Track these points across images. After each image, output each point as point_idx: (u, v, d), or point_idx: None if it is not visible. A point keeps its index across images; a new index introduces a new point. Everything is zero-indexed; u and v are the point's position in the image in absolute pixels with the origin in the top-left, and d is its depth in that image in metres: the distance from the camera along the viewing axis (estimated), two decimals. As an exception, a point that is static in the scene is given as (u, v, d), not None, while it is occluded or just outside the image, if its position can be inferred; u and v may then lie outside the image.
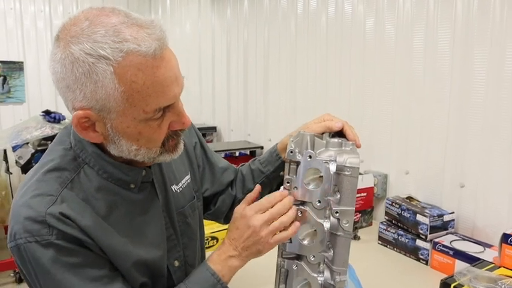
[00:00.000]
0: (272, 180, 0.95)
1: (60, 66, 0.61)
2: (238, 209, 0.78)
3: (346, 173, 0.74)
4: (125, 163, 0.73)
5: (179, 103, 0.69)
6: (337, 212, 0.75)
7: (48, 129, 2.64)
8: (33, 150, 2.61)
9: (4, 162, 2.74)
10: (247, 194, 0.97)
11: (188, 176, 0.90)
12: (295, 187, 0.76)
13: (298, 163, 0.77)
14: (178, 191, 0.86)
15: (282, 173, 0.90)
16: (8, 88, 3.28)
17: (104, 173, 0.72)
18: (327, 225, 0.76)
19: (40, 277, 0.66)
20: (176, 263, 0.83)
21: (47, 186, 0.67)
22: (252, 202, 0.79)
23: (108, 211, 0.71)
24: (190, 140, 0.94)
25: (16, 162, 2.59)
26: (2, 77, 3.24)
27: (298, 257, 0.79)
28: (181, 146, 0.75)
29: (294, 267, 0.79)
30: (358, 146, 0.82)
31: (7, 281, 2.53)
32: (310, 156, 0.76)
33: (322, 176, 0.76)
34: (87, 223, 0.67)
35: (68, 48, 0.60)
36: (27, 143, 2.60)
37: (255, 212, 0.75)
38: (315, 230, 0.77)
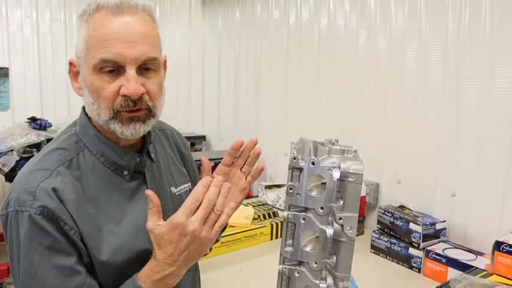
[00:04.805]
0: None
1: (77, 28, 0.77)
2: (161, 225, 0.70)
3: (350, 179, 0.75)
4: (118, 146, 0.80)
5: (132, 70, 0.73)
6: (340, 219, 0.75)
7: (33, 136, 2.59)
8: (18, 158, 2.54)
9: (-13, 169, 2.66)
10: None
11: (188, 185, 0.95)
12: (298, 193, 0.77)
13: (301, 169, 0.78)
14: (176, 193, 0.91)
15: None
16: (-8, 94, 3.20)
17: (101, 156, 0.79)
18: (329, 231, 0.76)
19: (15, 246, 0.70)
20: None
21: (47, 161, 0.75)
22: (159, 214, 0.71)
23: (97, 193, 0.76)
24: (189, 157, 1.02)
25: (0, 169, 2.52)
26: (-14, 83, 3.16)
27: (300, 264, 0.79)
28: (135, 127, 0.76)
29: (296, 274, 0.79)
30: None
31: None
32: (313, 163, 0.77)
33: (324, 183, 0.76)
34: (72, 198, 0.72)
35: None
36: (12, 150, 2.54)
37: (186, 217, 0.69)
38: (317, 237, 0.77)
